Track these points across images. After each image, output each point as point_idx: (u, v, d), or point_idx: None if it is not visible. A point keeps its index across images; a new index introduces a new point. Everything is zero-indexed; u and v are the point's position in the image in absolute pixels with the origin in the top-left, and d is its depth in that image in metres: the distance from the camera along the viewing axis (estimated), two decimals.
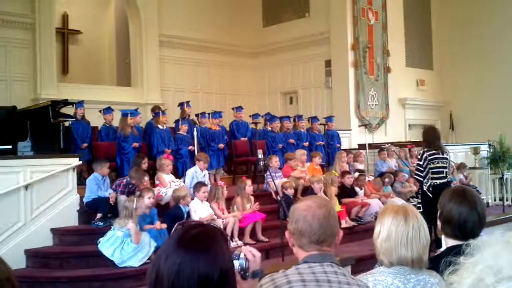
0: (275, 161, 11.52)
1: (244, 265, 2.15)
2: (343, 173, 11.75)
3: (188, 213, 8.95)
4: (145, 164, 10.21)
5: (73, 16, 17.66)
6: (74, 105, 11.74)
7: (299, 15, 18.73)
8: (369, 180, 12.57)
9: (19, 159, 9.09)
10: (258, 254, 2.25)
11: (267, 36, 19.36)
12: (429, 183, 8.75)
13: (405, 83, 19.07)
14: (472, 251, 1.50)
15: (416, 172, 9.08)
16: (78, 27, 17.86)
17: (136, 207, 8.24)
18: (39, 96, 14.38)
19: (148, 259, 7.95)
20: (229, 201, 9.84)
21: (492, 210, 13.33)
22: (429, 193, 8.65)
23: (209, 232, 1.85)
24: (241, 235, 9.32)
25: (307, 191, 10.90)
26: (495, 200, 15.05)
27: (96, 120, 12.47)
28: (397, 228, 2.71)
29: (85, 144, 11.36)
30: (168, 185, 9.77)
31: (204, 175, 10.48)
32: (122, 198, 8.84)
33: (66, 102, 11.28)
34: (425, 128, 10.16)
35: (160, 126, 12.01)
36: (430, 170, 8.74)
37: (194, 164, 10.73)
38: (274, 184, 10.33)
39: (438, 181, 8.69)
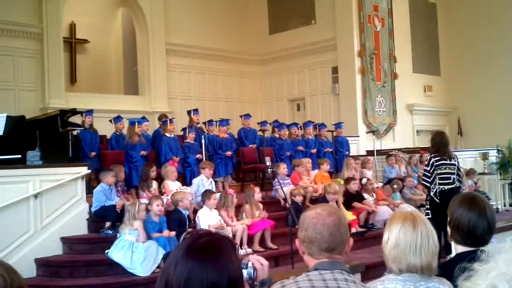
0: (283, 168, 11.53)
1: (252, 274, 2.15)
2: (348, 180, 11.72)
3: (189, 217, 8.99)
4: (153, 173, 10.24)
5: (81, 26, 17.73)
6: (83, 114, 11.80)
7: (305, 22, 18.75)
8: (377, 187, 12.55)
9: (28, 168, 9.11)
10: (266, 262, 2.25)
11: (274, 43, 19.40)
12: (436, 188, 8.72)
13: (412, 89, 19.05)
14: (486, 258, 1.50)
15: (423, 178, 9.03)
16: (85, 37, 17.92)
17: (138, 210, 8.28)
18: (47, 105, 14.44)
19: (158, 267, 7.97)
20: (238, 208, 9.85)
21: (502, 215, 13.27)
22: (436, 199, 8.62)
23: (218, 240, 1.86)
24: (250, 243, 9.32)
25: (317, 200, 10.87)
26: (505, 205, 14.98)
27: (104, 128, 12.51)
28: (405, 235, 2.70)
29: (93, 153, 11.40)
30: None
31: (211, 183, 10.49)
32: (126, 203, 8.87)
33: (74, 111, 11.33)
34: (433, 133, 10.11)
35: (167, 134, 12.04)
36: (437, 176, 8.70)
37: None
38: (283, 191, 10.32)
39: (445, 187, 8.64)
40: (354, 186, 11.52)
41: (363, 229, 10.82)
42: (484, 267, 1.44)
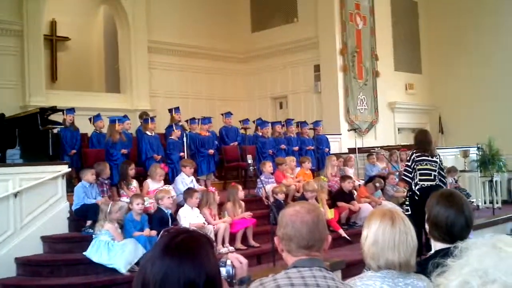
0: (268, 166, 11.56)
1: (230, 272, 2.15)
2: (344, 178, 11.79)
3: (172, 215, 8.94)
4: (131, 171, 10.15)
5: (62, 23, 17.60)
6: (64, 112, 11.72)
7: (288, 20, 18.77)
8: (359, 185, 12.61)
9: (7, 167, 9.05)
10: (244, 261, 2.25)
11: (256, 41, 19.39)
12: (415, 182, 8.75)
13: (394, 87, 19.13)
14: (459, 253, 1.50)
15: (404, 173, 9.07)
16: (66, 34, 17.80)
17: (110, 211, 8.22)
18: (27, 103, 14.29)
19: (137, 264, 7.94)
20: (221, 206, 9.83)
21: (482, 213, 13.40)
22: (415, 196, 8.65)
23: (195, 238, 1.85)
24: (232, 241, 9.31)
25: (299, 198, 10.89)
26: (485, 203, 15.11)
27: (85, 127, 12.41)
28: (384, 232, 2.72)
29: (74, 151, 11.31)
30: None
31: (192, 181, 10.46)
32: (100, 203, 8.83)
33: (54, 109, 11.24)
34: (417, 131, 10.20)
35: (148, 133, 11.98)
36: (418, 172, 8.75)
37: None
38: (265, 189, 10.34)
39: (425, 183, 8.68)
40: (348, 185, 11.56)
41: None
42: (457, 262, 1.45)
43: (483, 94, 18.88)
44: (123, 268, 7.86)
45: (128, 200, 9.06)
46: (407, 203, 8.95)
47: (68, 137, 11.43)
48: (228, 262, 2.17)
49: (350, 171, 13.26)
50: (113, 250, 7.97)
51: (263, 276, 2.57)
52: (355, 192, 12.02)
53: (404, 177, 9.17)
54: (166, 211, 8.86)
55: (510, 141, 16.96)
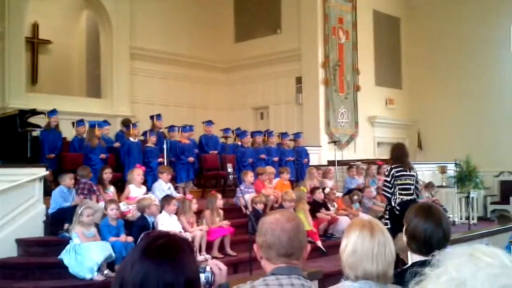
0: (250, 176, 11.56)
1: (209, 279, 2.15)
2: (313, 189, 11.81)
3: (153, 224, 8.89)
4: (106, 174, 10.10)
5: (44, 26, 17.47)
6: (45, 114, 11.62)
7: (271, 31, 18.81)
8: (338, 196, 12.65)
9: None
10: (224, 267, 2.25)
11: (239, 51, 19.43)
12: (396, 199, 8.79)
13: (374, 101, 19.26)
14: (437, 263, 1.51)
15: (384, 188, 9.10)
16: (48, 37, 17.66)
17: (82, 213, 8.16)
18: (6, 105, 14.12)
19: (111, 269, 7.90)
20: (199, 214, 9.81)
21: (458, 228, 13.51)
22: (396, 211, 8.68)
23: (175, 242, 1.84)
24: (209, 249, 9.29)
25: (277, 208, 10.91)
26: (461, 218, 15.26)
27: (65, 130, 12.32)
28: (363, 242, 2.72)
29: (52, 155, 11.17)
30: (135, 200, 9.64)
31: (169, 188, 10.43)
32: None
33: (34, 112, 11.14)
34: (394, 145, 10.24)
35: (131, 139, 11.93)
36: (398, 187, 8.79)
37: None
38: (244, 199, 10.33)
39: (405, 197, 8.74)
40: (319, 195, 11.61)
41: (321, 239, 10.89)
42: (435, 272, 1.45)
43: (462, 111, 19.08)
44: (88, 273, 7.81)
45: (103, 204, 9.02)
46: (387, 217, 8.98)
47: (50, 139, 11.32)
48: (208, 268, 2.17)
49: (329, 183, 13.31)
50: (81, 255, 7.91)
51: (239, 284, 2.57)
52: (335, 204, 12.07)
53: (384, 192, 9.19)
54: (149, 219, 8.80)
55: (487, 158, 17.21)
